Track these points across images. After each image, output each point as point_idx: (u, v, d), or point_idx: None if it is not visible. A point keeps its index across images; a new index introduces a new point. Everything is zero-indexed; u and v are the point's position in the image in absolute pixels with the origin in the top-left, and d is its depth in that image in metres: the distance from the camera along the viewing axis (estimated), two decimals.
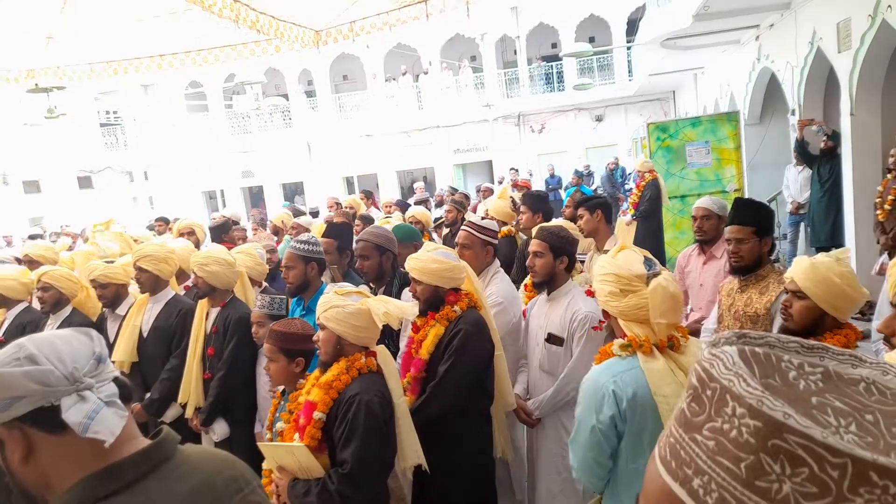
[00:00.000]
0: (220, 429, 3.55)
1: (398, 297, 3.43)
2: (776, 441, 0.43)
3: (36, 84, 9.51)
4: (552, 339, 2.90)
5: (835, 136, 7.19)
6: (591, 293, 2.41)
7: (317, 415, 2.21)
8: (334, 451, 2.20)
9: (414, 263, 2.75)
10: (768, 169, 10.12)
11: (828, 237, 7.27)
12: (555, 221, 4.08)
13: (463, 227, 3.50)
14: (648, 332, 1.93)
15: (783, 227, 9.13)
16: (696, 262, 3.82)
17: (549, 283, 3.01)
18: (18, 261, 5.26)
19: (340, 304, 2.27)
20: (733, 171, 9.39)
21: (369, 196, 9.12)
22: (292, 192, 22.81)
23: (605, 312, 2.09)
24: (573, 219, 4.71)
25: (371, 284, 3.62)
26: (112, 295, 4.05)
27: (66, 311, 4.17)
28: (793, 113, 8.57)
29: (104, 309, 4.17)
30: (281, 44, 9.46)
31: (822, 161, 7.39)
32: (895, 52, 5.83)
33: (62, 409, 1.01)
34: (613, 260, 2.03)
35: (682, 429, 0.49)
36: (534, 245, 3.01)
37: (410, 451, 2.34)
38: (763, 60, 9.35)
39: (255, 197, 23.26)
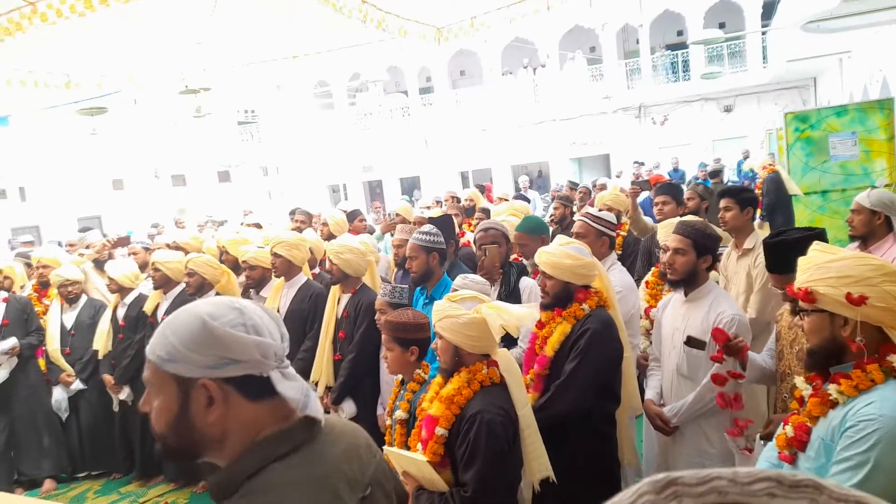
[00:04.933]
0: (349, 408, 3.76)
1: (516, 287, 3.45)
2: None
3: (186, 86, 10.42)
4: (693, 342, 2.73)
5: None
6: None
7: (439, 430, 2.19)
8: (457, 466, 2.19)
9: (546, 258, 2.71)
10: None
11: None
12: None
13: (579, 217, 3.46)
14: None
15: None
16: None
17: (688, 283, 2.84)
18: (167, 247, 5.82)
19: (454, 314, 2.22)
20: (884, 164, 8.53)
21: (482, 190, 9.19)
22: (410, 185, 23.43)
23: (862, 325, 1.66)
24: (696, 211, 4.50)
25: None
26: (259, 277, 4.42)
27: (210, 294, 4.58)
28: None
29: (250, 290, 4.54)
30: (404, 41, 9.73)
31: None
32: None
33: (274, 382, 1.12)
34: (860, 256, 1.74)
35: None
36: (674, 241, 2.83)
37: (537, 463, 2.26)
38: None
39: (374, 190, 24.12)
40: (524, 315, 2.21)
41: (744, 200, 3.80)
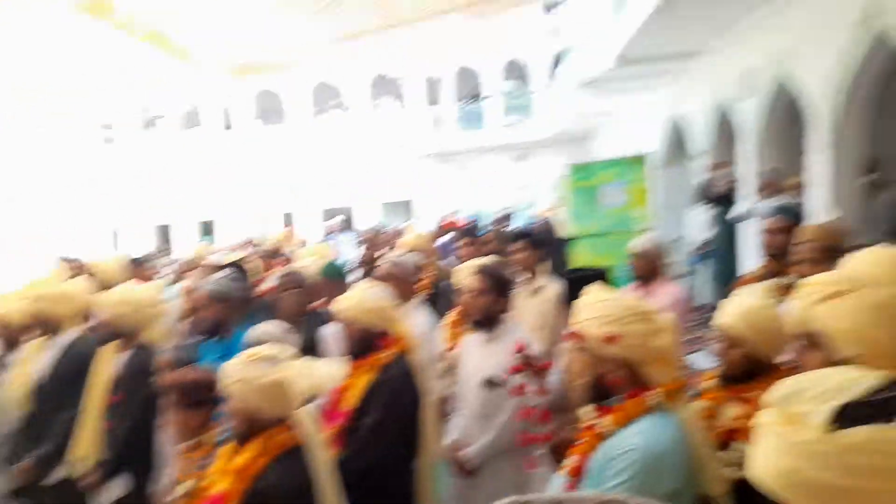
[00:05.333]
0: (120, 485, 3.24)
1: (317, 335, 3.29)
2: None
3: None
4: (491, 382, 2.78)
5: (735, 181, 7.67)
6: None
7: None
8: None
9: (345, 304, 2.61)
10: (673, 211, 10.65)
11: (729, 274, 7.67)
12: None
13: (382, 263, 3.44)
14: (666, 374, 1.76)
15: (686, 266, 9.62)
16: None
17: (486, 323, 2.89)
18: None
19: (249, 376, 1.97)
20: (643, 211, 9.81)
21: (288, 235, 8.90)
22: (208, 229, 21.98)
23: (619, 362, 1.77)
24: (497, 252, 4.71)
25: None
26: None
27: None
28: (699, 157, 9.10)
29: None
30: (198, 73, 9.19)
31: (725, 202, 7.85)
32: (791, 101, 6.31)
33: None
34: (618, 297, 1.86)
35: None
36: (473, 282, 2.88)
37: None
38: (673, 107, 9.92)
39: (165, 235, 22.24)
40: (336, 373, 2.07)
41: (535, 242, 4.11)
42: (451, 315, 3.78)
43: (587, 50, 10.77)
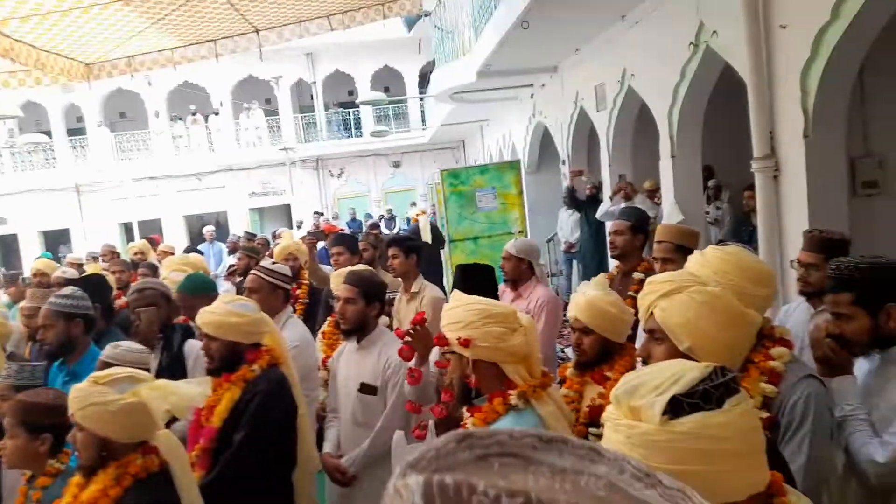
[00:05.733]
0: None
1: (181, 352, 3.11)
2: None
3: None
4: (365, 388, 2.78)
5: (598, 185, 8.22)
6: (401, 334, 2.37)
7: None
8: None
9: (208, 318, 2.48)
10: (546, 213, 11.22)
11: (596, 272, 8.20)
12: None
13: (252, 272, 3.32)
14: (526, 372, 1.85)
15: (559, 265, 10.17)
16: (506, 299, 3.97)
17: (359, 331, 2.89)
18: None
19: (101, 401, 1.82)
20: (517, 214, 10.25)
21: (152, 243, 8.31)
22: (55, 240, 20.02)
23: (476, 363, 1.86)
24: (371, 261, 4.71)
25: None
26: None
27: None
28: (563, 163, 9.65)
29: None
30: (43, 76, 8.34)
31: (588, 206, 8.38)
32: (640, 112, 6.86)
33: None
34: (479, 299, 1.92)
35: None
36: (343, 290, 2.87)
37: None
38: (538, 116, 10.43)
39: (9, 246, 20.01)
40: (196, 394, 1.93)
41: (409, 248, 4.14)
42: (327, 324, 3.73)
43: (450, 64, 11.09)
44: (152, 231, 18.58)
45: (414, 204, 17.51)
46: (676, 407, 1.05)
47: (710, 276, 1.77)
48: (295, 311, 4.23)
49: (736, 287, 1.78)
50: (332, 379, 3.03)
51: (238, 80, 19.51)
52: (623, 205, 7.13)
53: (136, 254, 6.81)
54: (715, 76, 5.43)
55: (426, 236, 8.37)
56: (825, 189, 4.11)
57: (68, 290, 3.16)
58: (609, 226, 4.07)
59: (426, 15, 11.70)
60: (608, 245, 3.60)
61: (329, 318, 3.75)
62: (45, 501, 2.09)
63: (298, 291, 4.50)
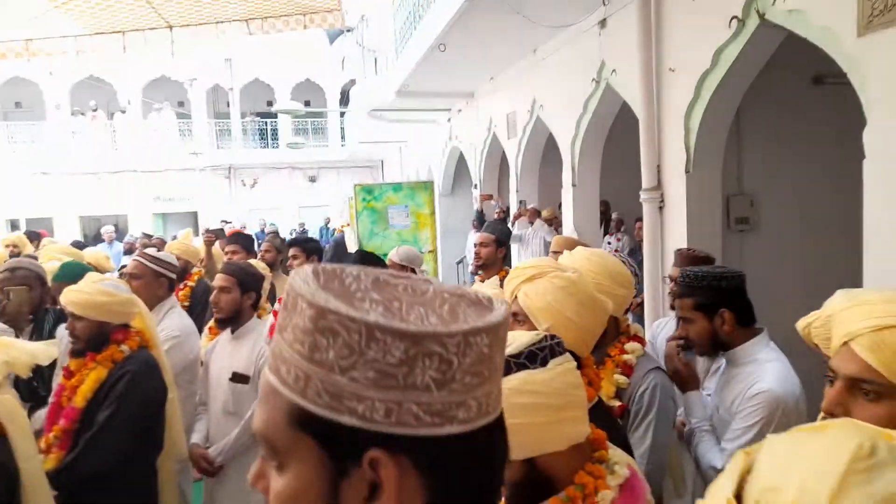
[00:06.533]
0: None
1: (52, 336, 2.95)
2: (323, 321, 0.55)
3: None
4: (237, 377, 2.75)
5: (507, 209, 8.49)
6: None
7: None
8: None
9: (74, 296, 2.37)
10: (458, 234, 11.44)
11: None
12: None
13: (134, 258, 3.23)
14: None
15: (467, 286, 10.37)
16: None
17: (233, 321, 2.88)
18: None
19: None
20: (429, 234, 10.39)
21: (37, 236, 7.78)
22: None
23: None
24: (273, 263, 4.70)
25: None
26: None
27: None
28: (475, 187, 9.91)
29: None
30: None
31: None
32: (547, 142, 7.18)
33: None
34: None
35: (278, 334, 0.60)
36: (220, 280, 2.88)
37: None
38: (454, 140, 10.68)
39: None
40: (40, 351, 1.88)
41: (310, 249, 4.24)
42: (213, 321, 3.65)
43: (371, 81, 11.21)
44: (43, 227, 17.38)
45: (328, 220, 17.31)
46: (506, 367, 1.14)
47: (564, 265, 1.91)
48: None
49: (596, 283, 1.92)
50: (205, 370, 2.97)
51: (150, 79, 18.76)
52: (528, 230, 7.42)
53: (8, 246, 6.34)
54: (614, 111, 5.80)
55: (351, 246, 8.39)
56: (702, 221, 4.48)
57: None
58: (474, 238, 4.40)
59: (349, 30, 11.79)
60: (474, 256, 3.82)
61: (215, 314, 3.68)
62: None
63: (181, 294, 4.39)
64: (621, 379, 1.98)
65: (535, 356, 1.15)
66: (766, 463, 0.66)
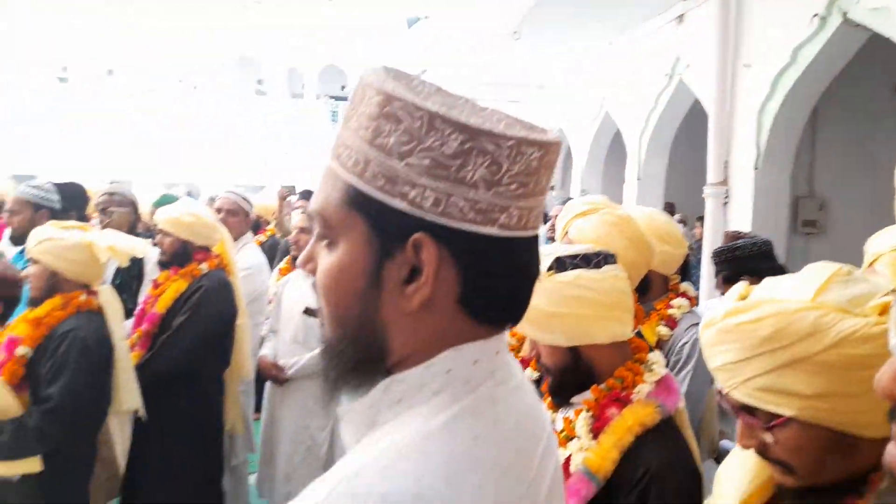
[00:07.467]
0: None
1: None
2: (388, 107, 0.58)
3: None
4: (310, 311, 2.89)
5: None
6: None
7: (21, 350, 1.97)
8: (39, 386, 1.98)
9: (165, 215, 2.61)
10: None
11: None
12: None
13: (226, 193, 3.52)
14: None
15: None
16: None
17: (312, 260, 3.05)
18: None
19: (56, 237, 2.09)
20: None
21: None
22: None
23: None
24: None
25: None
26: None
27: None
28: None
29: None
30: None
31: None
32: (615, 136, 7.16)
33: None
34: None
35: (342, 125, 0.64)
36: (302, 221, 3.07)
37: (127, 394, 2.16)
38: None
39: None
40: (138, 244, 2.19)
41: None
42: (284, 262, 3.90)
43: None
44: None
45: None
46: (561, 264, 1.27)
47: (615, 205, 2.00)
48: None
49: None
50: (277, 303, 3.16)
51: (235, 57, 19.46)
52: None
53: None
54: (684, 110, 5.75)
55: None
56: (766, 219, 4.41)
57: (39, 181, 3.29)
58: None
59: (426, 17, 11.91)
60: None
61: (286, 258, 3.92)
62: None
63: (262, 231, 4.69)
64: (663, 330, 2.05)
65: (589, 259, 1.28)
66: (764, 286, 0.84)
